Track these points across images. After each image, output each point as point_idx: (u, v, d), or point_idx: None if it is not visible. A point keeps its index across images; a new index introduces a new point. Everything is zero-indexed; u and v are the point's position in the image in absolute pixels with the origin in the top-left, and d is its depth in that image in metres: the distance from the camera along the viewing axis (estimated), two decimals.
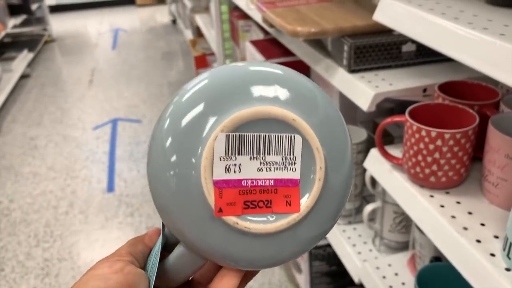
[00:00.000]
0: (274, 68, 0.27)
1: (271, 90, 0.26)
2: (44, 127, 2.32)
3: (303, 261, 1.08)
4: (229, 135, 0.25)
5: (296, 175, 0.26)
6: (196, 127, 0.25)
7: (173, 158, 0.25)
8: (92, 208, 1.68)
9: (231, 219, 0.25)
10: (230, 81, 0.26)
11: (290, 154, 0.26)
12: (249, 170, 0.25)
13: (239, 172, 0.25)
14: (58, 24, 4.11)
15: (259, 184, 0.26)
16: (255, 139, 0.25)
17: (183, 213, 0.26)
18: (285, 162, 0.26)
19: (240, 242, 0.26)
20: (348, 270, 0.87)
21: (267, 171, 0.26)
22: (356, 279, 0.84)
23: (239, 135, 0.25)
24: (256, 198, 0.26)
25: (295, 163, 0.26)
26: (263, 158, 0.25)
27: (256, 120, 0.25)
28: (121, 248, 0.31)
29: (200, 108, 0.25)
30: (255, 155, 0.25)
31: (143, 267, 0.31)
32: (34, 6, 3.40)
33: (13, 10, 3.14)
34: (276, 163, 0.26)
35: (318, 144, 0.26)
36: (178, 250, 0.30)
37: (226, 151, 0.25)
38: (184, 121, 0.25)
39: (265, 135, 0.25)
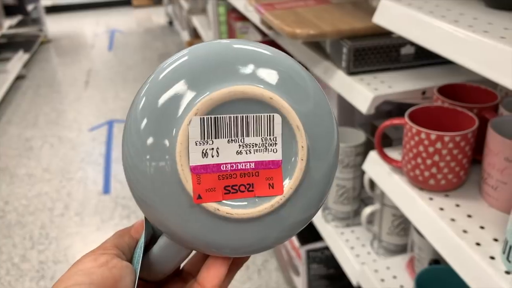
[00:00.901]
0: (260, 48, 0.26)
1: (253, 70, 0.25)
2: (40, 128, 2.30)
3: (301, 263, 1.08)
4: (203, 118, 0.24)
5: (277, 156, 0.25)
6: (172, 107, 0.24)
7: (149, 141, 0.24)
8: (88, 210, 1.67)
9: (212, 206, 0.24)
10: (210, 58, 0.25)
11: (270, 135, 0.25)
12: (227, 153, 0.24)
13: (217, 156, 0.24)
14: (54, 25, 4.09)
15: (239, 167, 0.25)
16: (232, 121, 0.24)
17: (161, 202, 0.25)
18: (265, 143, 0.25)
19: (223, 229, 0.25)
20: (346, 273, 0.87)
21: (246, 153, 0.25)
22: (354, 282, 0.84)
23: (214, 117, 0.24)
24: (237, 182, 0.25)
25: (275, 143, 0.25)
26: (242, 140, 0.24)
27: (232, 101, 0.24)
28: (107, 241, 0.31)
29: (176, 87, 0.24)
30: (233, 138, 0.24)
31: (130, 259, 0.30)
32: (29, 7, 3.38)
33: (9, 11, 3.12)
34: (256, 144, 0.25)
35: (299, 122, 0.25)
36: (161, 241, 0.29)
37: (201, 135, 0.24)
38: (160, 101, 0.24)
39: (242, 116, 0.24)
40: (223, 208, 0.24)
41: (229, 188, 0.25)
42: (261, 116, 0.24)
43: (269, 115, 0.24)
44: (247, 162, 0.25)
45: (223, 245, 0.26)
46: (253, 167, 0.25)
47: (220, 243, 0.26)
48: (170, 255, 0.29)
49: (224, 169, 0.24)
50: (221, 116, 0.24)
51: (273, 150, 0.25)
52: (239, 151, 0.25)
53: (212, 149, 0.24)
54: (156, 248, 0.29)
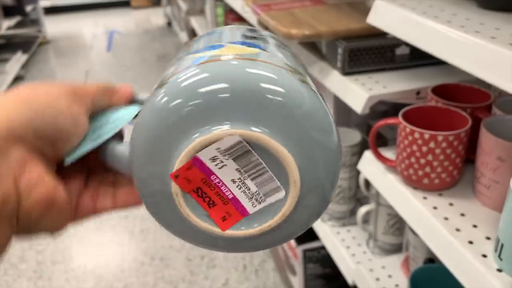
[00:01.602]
0: (271, 74, 0.25)
1: (279, 110, 0.25)
2: None
3: (297, 263, 1.08)
4: (241, 141, 0.25)
5: (251, 210, 0.27)
6: (210, 107, 0.24)
7: (186, 110, 0.24)
8: None
9: (176, 189, 0.26)
10: (243, 88, 0.25)
11: (265, 196, 0.26)
12: (226, 174, 0.26)
13: (219, 168, 0.26)
14: (53, 26, 4.09)
15: (221, 189, 0.26)
16: (256, 163, 0.25)
17: (150, 147, 0.26)
18: (256, 196, 0.26)
19: (167, 206, 0.27)
20: (342, 272, 0.87)
21: (237, 187, 0.26)
22: (350, 281, 0.84)
23: (248, 150, 0.25)
24: (208, 193, 0.26)
25: (260, 203, 0.26)
26: (245, 178, 0.26)
27: (269, 150, 0.25)
28: (90, 88, 0.28)
29: (222, 95, 0.25)
30: (241, 171, 0.26)
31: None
32: (28, 8, 3.39)
33: (7, 11, 3.13)
34: (249, 190, 0.26)
35: (288, 212, 0.26)
36: (124, 158, 0.29)
37: (227, 150, 0.25)
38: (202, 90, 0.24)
39: (264, 167, 0.26)
40: (180, 199, 0.26)
41: (200, 191, 0.26)
42: (274, 181, 0.26)
43: (279, 187, 0.26)
44: (230, 191, 0.26)
45: (157, 212, 0.28)
46: (229, 197, 0.26)
47: (157, 209, 0.27)
48: (119, 168, 0.30)
49: (212, 179, 0.26)
50: (253, 153, 0.25)
51: (254, 204, 0.26)
52: (234, 180, 0.26)
53: (222, 162, 0.25)
54: (114, 153, 0.30)
